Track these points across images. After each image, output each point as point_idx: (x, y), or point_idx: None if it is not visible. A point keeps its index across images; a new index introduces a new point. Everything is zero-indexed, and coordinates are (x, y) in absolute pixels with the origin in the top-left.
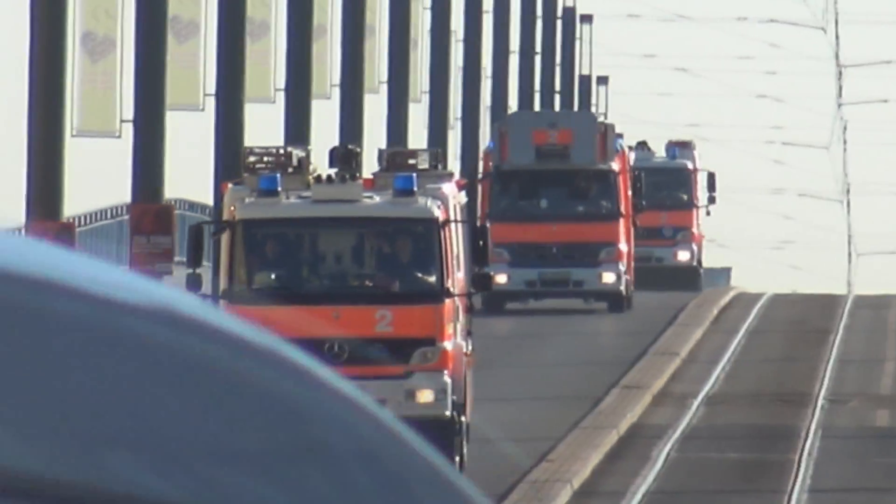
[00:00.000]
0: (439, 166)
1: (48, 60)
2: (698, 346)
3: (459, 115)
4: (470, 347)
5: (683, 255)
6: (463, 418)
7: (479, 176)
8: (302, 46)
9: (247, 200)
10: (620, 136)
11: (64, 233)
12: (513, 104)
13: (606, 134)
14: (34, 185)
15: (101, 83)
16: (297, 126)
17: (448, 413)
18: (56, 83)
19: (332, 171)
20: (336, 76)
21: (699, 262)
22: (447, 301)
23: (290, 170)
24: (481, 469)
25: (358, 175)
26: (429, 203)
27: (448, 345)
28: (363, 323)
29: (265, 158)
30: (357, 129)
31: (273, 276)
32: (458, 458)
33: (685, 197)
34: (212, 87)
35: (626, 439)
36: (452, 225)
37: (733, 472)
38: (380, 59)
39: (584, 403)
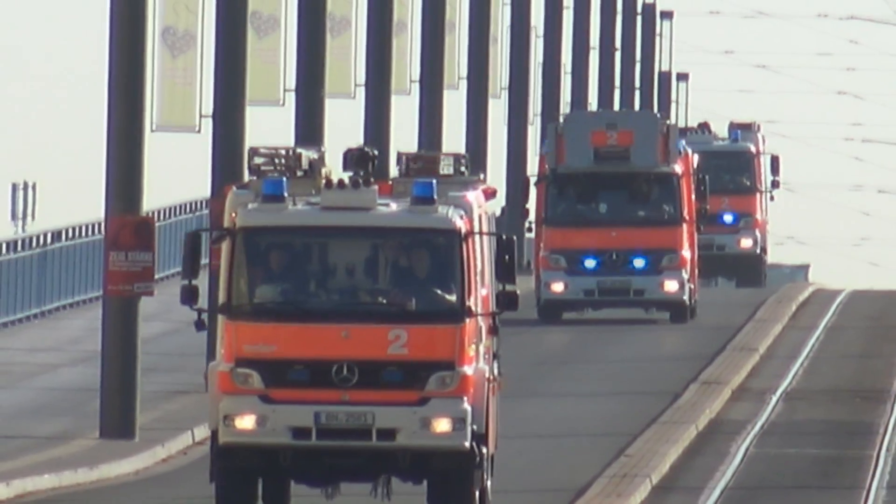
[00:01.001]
0: (466, 172)
1: (129, 55)
2: (777, 342)
3: (539, 111)
4: (496, 372)
5: (746, 243)
6: (484, 450)
7: (535, 179)
8: (382, 42)
9: (249, 206)
10: (706, 126)
11: (143, 227)
12: (592, 100)
13: (669, 135)
14: (114, 180)
15: (181, 78)
16: (377, 122)
17: (467, 444)
18: (136, 78)
19: (345, 176)
20: (416, 72)
21: (763, 249)
22: (468, 321)
23: (300, 173)
24: (561, 462)
25: (372, 180)
26: (450, 213)
27: (468, 369)
28: (375, 343)
29: (276, 160)
30: (436, 127)
31: (276, 291)
32: (477, 493)
33: (748, 182)
34: (292, 82)
35: (704, 434)
36: (476, 237)
37: (811, 468)
38: (460, 54)
39: (662, 399)
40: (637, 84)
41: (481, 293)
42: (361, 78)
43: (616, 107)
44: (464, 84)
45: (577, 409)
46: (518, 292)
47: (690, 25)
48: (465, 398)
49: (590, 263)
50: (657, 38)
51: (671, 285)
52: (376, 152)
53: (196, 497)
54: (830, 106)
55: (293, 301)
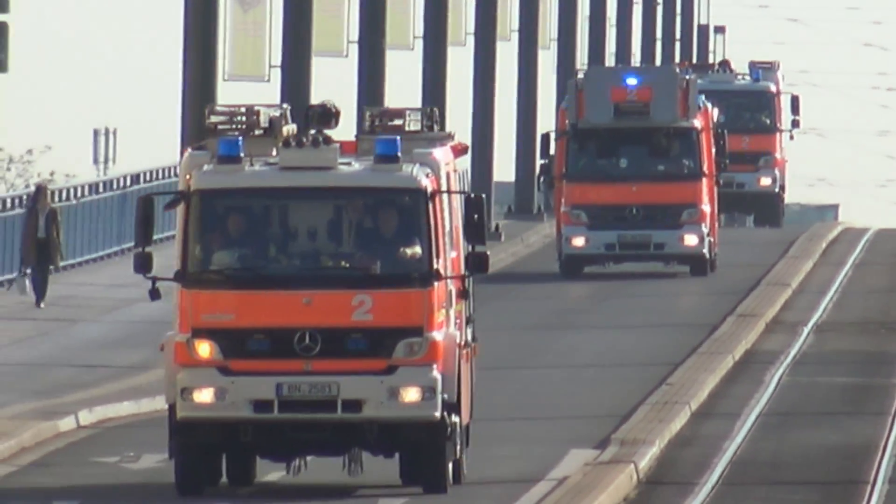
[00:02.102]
0: (435, 127)
1: (202, 10)
2: (808, 278)
3: (586, 61)
4: (470, 338)
5: (765, 181)
6: (456, 419)
7: (555, 134)
8: None
9: (205, 168)
10: (727, 65)
11: None
12: (636, 52)
13: (688, 89)
14: (188, 126)
15: (251, 31)
16: (435, 73)
17: (437, 414)
18: (209, 31)
19: (304, 134)
20: (471, 25)
21: (782, 187)
22: (437, 284)
23: (258, 132)
24: (607, 390)
25: (332, 138)
26: (415, 171)
27: (438, 335)
28: (339, 310)
29: (233, 119)
30: (488, 77)
31: (234, 256)
32: (450, 465)
33: (768, 121)
34: (355, 34)
35: (740, 364)
36: (444, 196)
37: (840, 395)
38: (511, 8)
39: (701, 331)
40: (678, 36)
41: (451, 255)
42: (420, 30)
43: (657, 59)
44: (515, 36)
45: (619, 340)
46: (488, 253)
47: None
48: (435, 366)
49: (610, 218)
50: None
51: (691, 239)
52: (339, 108)
53: None
54: (858, 56)
55: (251, 267)
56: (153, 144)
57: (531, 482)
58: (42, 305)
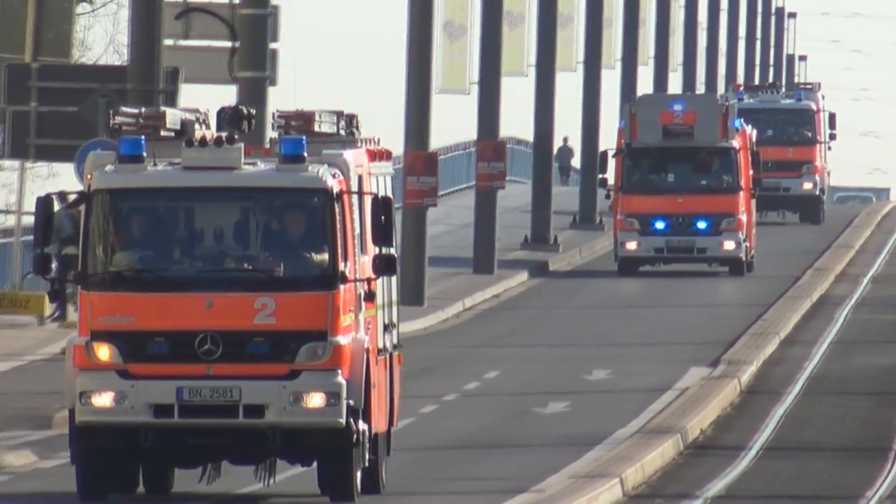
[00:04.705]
0: (357, 132)
1: (420, 41)
2: (867, 242)
3: (703, 81)
4: (390, 343)
5: (808, 185)
6: (364, 426)
7: (612, 152)
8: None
9: (107, 168)
10: (776, 86)
11: (430, 160)
12: (740, 75)
13: (727, 114)
14: (411, 127)
15: (456, 57)
16: (589, 93)
17: (342, 420)
18: (425, 56)
19: (208, 134)
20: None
21: (822, 190)
22: (342, 287)
23: (165, 133)
24: (715, 324)
25: (238, 138)
26: (321, 171)
27: (343, 339)
28: (241, 313)
29: (138, 120)
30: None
31: (134, 258)
32: (359, 474)
33: (809, 134)
34: (533, 58)
35: (816, 305)
36: (354, 198)
37: (891, 329)
38: (646, 41)
39: (787, 280)
40: (771, 62)
41: (361, 258)
42: (581, 56)
43: (756, 80)
44: (651, 62)
45: (723, 290)
46: (396, 255)
47: (808, 21)
48: (340, 371)
49: (659, 225)
50: (785, 32)
51: (729, 244)
52: (252, 111)
53: (464, 346)
54: None
55: (152, 268)
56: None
57: (662, 391)
58: None
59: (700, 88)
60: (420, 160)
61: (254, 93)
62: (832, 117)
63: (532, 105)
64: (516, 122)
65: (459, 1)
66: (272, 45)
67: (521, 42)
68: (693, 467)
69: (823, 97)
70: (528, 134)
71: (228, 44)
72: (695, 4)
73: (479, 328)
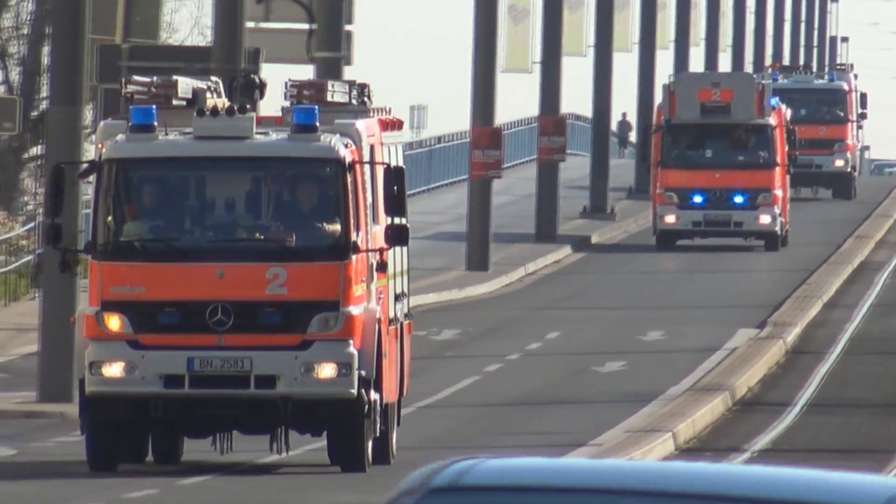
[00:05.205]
0: (368, 101)
1: (486, 24)
2: None
3: (751, 61)
4: (401, 314)
5: (839, 163)
6: (375, 396)
7: (652, 129)
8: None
9: (118, 138)
10: (809, 67)
11: (495, 134)
12: (786, 56)
13: (763, 93)
14: (477, 103)
15: (520, 38)
16: (644, 73)
17: (353, 391)
18: (491, 39)
19: (219, 103)
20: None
21: (853, 167)
22: (354, 258)
23: (177, 102)
24: (761, 288)
25: (250, 108)
26: (333, 141)
27: (355, 310)
28: (252, 283)
29: (150, 89)
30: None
31: (145, 228)
32: (370, 445)
33: (841, 113)
34: (591, 39)
35: (857, 270)
36: (367, 168)
37: None
38: (698, 23)
39: (830, 247)
40: (815, 43)
41: (374, 228)
42: (636, 37)
43: (801, 60)
44: (703, 43)
45: (769, 257)
46: (408, 225)
47: (849, 5)
48: (351, 341)
49: (697, 199)
50: (828, 14)
51: (765, 219)
52: (265, 80)
53: (526, 308)
54: None
55: (163, 238)
56: (451, 116)
57: (712, 351)
58: None
59: (748, 69)
60: (486, 135)
61: (330, 72)
62: (863, 97)
63: (590, 83)
64: (576, 99)
65: None
66: (347, 27)
67: (580, 24)
68: (741, 422)
69: (856, 76)
70: (586, 111)
71: (306, 26)
72: None
73: (540, 292)
